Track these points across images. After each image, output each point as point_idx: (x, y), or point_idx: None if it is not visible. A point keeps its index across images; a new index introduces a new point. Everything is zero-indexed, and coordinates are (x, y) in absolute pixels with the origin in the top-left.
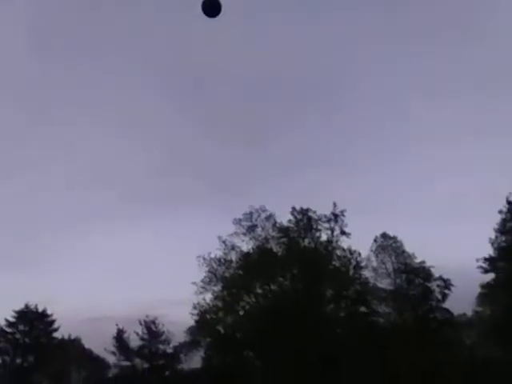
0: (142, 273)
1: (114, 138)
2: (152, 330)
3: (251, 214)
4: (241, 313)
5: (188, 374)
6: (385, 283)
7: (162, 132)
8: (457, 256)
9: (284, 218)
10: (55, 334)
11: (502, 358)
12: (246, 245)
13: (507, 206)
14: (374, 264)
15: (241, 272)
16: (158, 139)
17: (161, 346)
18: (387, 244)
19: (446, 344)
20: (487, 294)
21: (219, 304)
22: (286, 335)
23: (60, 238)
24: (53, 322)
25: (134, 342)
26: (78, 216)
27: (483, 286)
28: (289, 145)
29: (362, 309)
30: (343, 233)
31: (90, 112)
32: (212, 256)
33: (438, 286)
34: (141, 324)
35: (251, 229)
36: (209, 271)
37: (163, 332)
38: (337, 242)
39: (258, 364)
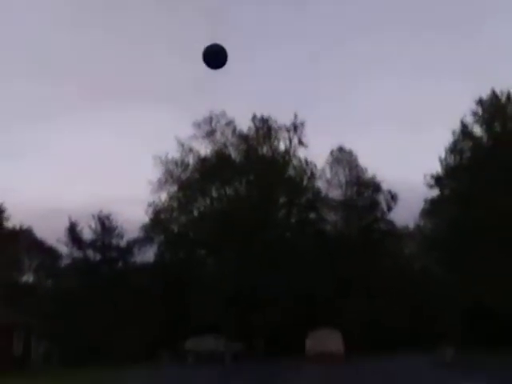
0: (97, 169)
1: (73, 28)
2: (106, 225)
3: (211, 118)
4: (195, 214)
5: (140, 268)
6: (336, 194)
7: (122, 26)
8: (405, 171)
9: (244, 125)
10: (6, 224)
11: (438, 269)
12: (204, 149)
13: (461, 127)
14: (328, 176)
15: (197, 175)
16: (120, 34)
17: (114, 240)
18: (342, 157)
19: (387, 253)
20: (431, 209)
21: (174, 204)
22: (239, 237)
23: (16, 130)
24: (3, 211)
25: (87, 235)
26: (35, 109)
27: (428, 201)
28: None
29: (312, 216)
30: (301, 143)
31: None
32: (169, 157)
33: (384, 198)
34: (94, 218)
35: (210, 133)
36: (165, 172)
37: (117, 227)
38: (294, 152)
39: (210, 262)
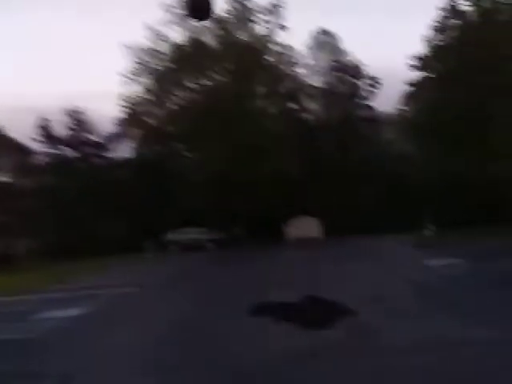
0: (67, 63)
1: None
2: (79, 120)
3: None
4: (172, 107)
5: (118, 163)
6: (317, 81)
7: None
8: (390, 56)
9: (220, 8)
10: None
11: (416, 154)
12: (178, 36)
13: (449, 4)
14: (309, 61)
15: (173, 65)
16: None
17: (89, 136)
18: (324, 41)
19: (367, 139)
20: (413, 92)
21: (150, 97)
22: (218, 128)
23: None
24: None
25: (61, 131)
26: None
27: (411, 84)
28: None
29: (293, 105)
30: (281, 27)
31: None
32: (141, 46)
33: (366, 83)
34: (67, 114)
35: (184, 18)
36: (138, 62)
37: (91, 123)
38: (273, 36)
39: (189, 156)
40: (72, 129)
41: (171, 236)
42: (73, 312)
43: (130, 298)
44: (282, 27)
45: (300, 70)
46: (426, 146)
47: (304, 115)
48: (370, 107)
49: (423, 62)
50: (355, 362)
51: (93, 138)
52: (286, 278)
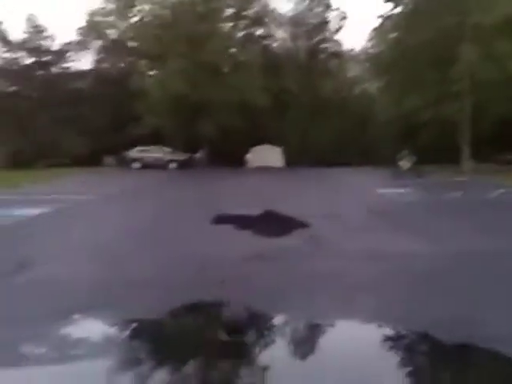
0: None
1: None
2: (36, 25)
3: None
4: (135, 19)
5: (77, 74)
6: (285, 9)
7: None
8: None
9: None
10: None
11: (375, 93)
12: None
13: None
14: None
15: None
16: None
17: (45, 42)
18: None
19: (331, 74)
20: (379, 30)
21: (110, 7)
22: (182, 47)
23: None
24: None
25: (16, 36)
26: None
27: (382, 18)
28: None
29: (260, 31)
30: None
31: None
32: None
33: (336, 16)
34: (26, 19)
35: None
36: None
37: (47, 29)
38: None
39: (151, 73)
40: (30, 34)
41: (133, 154)
42: (29, 212)
43: (88, 203)
44: None
45: None
46: (388, 85)
47: (270, 43)
48: (336, 41)
49: None
50: (311, 264)
51: (49, 44)
52: (246, 197)
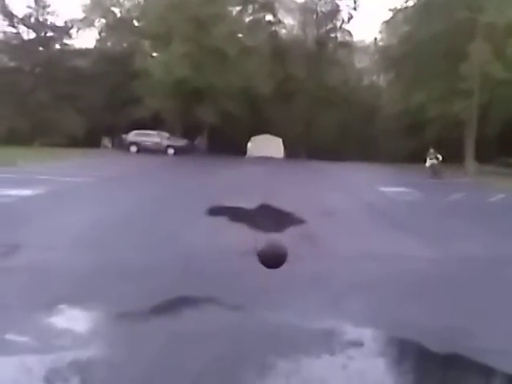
0: None
1: None
2: (40, 0)
3: None
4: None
5: (79, 52)
6: None
7: None
8: None
9: None
10: None
11: (383, 86)
12: None
13: None
14: None
15: None
16: None
17: (49, 18)
18: None
19: (340, 64)
20: (394, 22)
21: None
22: (189, 29)
23: None
24: None
25: (19, 10)
26: None
27: (393, 10)
28: None
29: (268, 17)
30: None
31: None
32: None
33: (347, 6)
34: None
35: None
36: None
37: (50, 4)
38: None
39: (155, 55)
40: (31, 7)
41: (131, 137)
42: (24, 192)
43: (84, 185)
44: None
45: None
46: (396, 78)
47: (278, 29)
48: (346, 31)
49: None
50: (299, 264)
51: (53, 20)
52: (242, 188)
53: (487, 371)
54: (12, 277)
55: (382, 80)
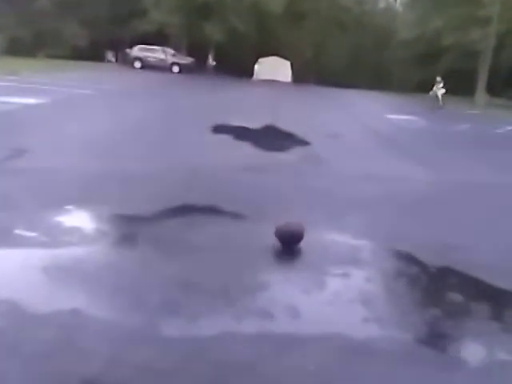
0: None
1: None
2: None
3: None
4: None
5: None
6: None
7: None
8: None
9: None
10: None
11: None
12: None
13: None
14: None
15: None
16: None
17: None
18: None
19: None
20: None
21: None
22: None
23: None
24: None
25: None
26: None
27: None
28: None
29: None
30: None
31: None
32: None
33: None
34: None
35: None
36: None
37: None
38: None
39: None
40: None
41: (136, 52)
42: (28, 100)
43: (89, 97)
44: None
45: None
46: (414, 2)
47: None
48: None
49: None
50: (303, 181)
51: None
52: (248, 109)
53: (478, 284)
54: (20, 178)
55: (398, 3)
